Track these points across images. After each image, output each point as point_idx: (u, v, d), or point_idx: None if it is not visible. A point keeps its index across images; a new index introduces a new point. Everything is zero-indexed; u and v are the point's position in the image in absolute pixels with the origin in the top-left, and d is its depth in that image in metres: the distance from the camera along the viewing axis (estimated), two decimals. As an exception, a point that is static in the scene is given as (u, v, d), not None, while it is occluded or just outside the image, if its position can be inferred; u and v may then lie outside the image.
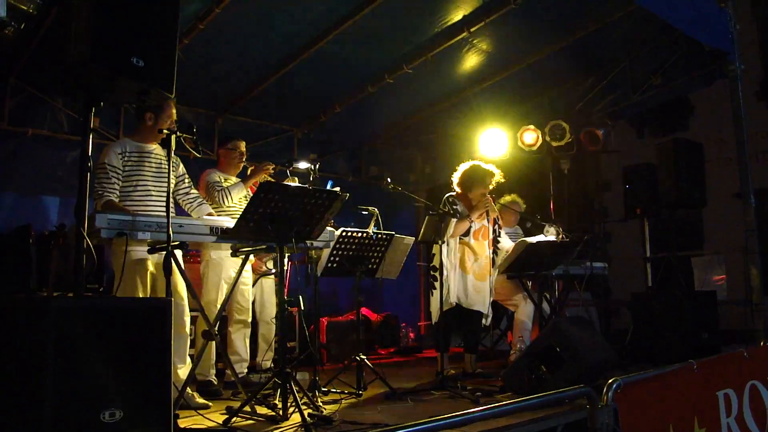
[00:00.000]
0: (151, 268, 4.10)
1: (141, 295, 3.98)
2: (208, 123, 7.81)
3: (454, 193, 5.68)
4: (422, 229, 5.34)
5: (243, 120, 8.08)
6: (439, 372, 4.89)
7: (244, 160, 5.33)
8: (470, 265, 5.55)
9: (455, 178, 5.78)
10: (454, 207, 5.47)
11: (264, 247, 3.94)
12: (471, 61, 7.33)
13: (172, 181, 4.37)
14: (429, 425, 1.86)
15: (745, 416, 3.16)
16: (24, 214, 6.42)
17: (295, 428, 3.39)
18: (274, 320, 5.26)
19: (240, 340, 5.17)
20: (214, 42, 6.17)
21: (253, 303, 5.38)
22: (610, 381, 2.34)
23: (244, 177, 5.23)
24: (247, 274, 5.10)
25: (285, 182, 4.36)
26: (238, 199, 5.11)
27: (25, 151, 6.55)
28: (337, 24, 6.20)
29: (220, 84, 7.22)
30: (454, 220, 5.37)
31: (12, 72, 6.26)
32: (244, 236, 3.83)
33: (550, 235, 5.95)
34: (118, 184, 4.12)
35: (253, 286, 5.32)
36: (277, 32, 6.30)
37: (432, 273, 5.51)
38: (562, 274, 6.29)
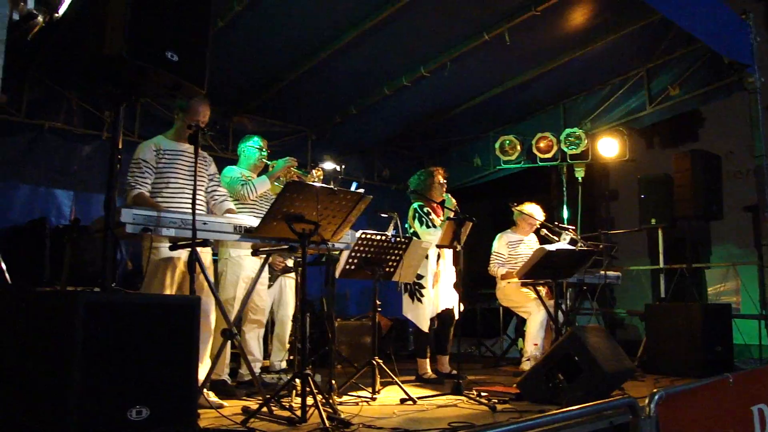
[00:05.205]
0: (181, 266, 4.07)
1: (168, 293, 3.96)
2: (221, 121, 7.77)
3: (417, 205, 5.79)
4: (441, 234, 5.34)
5: (257, 119, 8.06)
6: (420, 374, 5.68)
7: (266, 157, 5.29)
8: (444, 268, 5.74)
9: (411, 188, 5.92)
10: (429, 216, 5.70)
11: (286, 247, 3.90)
12: (488, 66, 7.32)
13: (205, 179, 4.41)
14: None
15: (776, 432, 3.14)
16: (37, 208, 6.41)
17: (314, 430, 3.36)
18: (291, 320, 5.24)
19: (254, 340, 5.14)
20: (230, 39, 6.14)
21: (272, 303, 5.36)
22: (653, 392, 2.32)
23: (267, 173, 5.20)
24: (264, 275, 5.06)
25: (310, 182, 4.33)
26: (262, 194, 5.09)
27: (40, 144, 6.53)
28: (355, 25, 6.19)
29: (235, 82, 7.20)
30: (437, 231, 5.58)
31: (31, 64, 6.23)
32: (267, 235, 3.80)
33: (566, 243, 5.94)
34: (150, 179, 4.12)
35: (273, 284, 5.28)
36: (295, 32, 6.29)
37: (417, 281, 5.59)
38: (576, 283, 6.27)
